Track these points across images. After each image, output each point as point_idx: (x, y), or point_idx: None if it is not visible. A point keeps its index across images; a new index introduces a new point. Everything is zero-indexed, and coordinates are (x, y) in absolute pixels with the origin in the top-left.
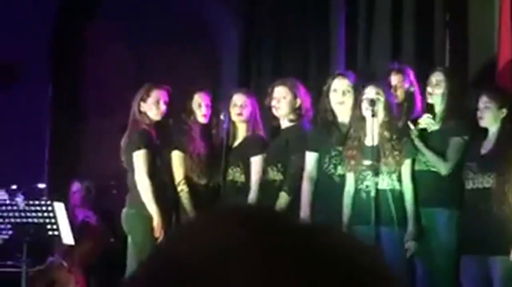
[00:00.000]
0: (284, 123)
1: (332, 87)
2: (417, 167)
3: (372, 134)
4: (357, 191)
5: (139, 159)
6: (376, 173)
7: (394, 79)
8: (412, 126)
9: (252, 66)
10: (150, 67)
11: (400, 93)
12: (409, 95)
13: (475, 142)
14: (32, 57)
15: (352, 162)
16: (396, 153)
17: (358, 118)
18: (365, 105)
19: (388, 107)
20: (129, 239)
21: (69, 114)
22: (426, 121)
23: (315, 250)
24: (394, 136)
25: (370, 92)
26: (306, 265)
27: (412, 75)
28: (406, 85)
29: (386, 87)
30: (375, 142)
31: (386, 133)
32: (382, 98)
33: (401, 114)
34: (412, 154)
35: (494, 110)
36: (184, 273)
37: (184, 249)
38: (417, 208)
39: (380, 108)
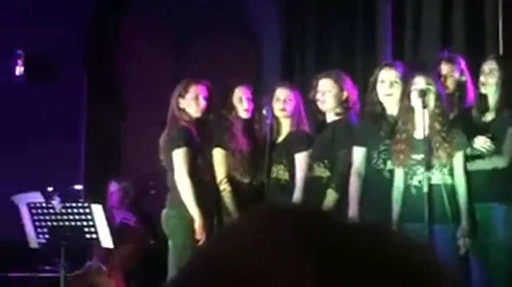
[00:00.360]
0: (330, 117)
1: (380, 79)
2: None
3: (423, 126)
4: (407, 186)
5: (179, 157)
6: (428, 167)
7: (444, 68)
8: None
9: (295, 58)
10: (190, 61)
11: (450, 83)
12: (460, 85)
13: None
14: (67, 52)
15: (401, 156)
16: (446, 145)
17: (406, 110)
18: (414, 96)
19: (439, 98)
20: (170, 241)
21: (106, 111)
22: (482, 144)
23: (363, 250)
24: (445, 128)
25: (420, 82)
26: (355, 266)
27: (463, 64)
28: (457, 74)
29: (436, 77)
30: (426, 135)
31: (437, 125)
32: (432, 89)
33: (452, 105)
34: (463, 146)
35: None
36: (228, 278)
37: (228, 252)
38: (471, 203)
39: (430, 99)
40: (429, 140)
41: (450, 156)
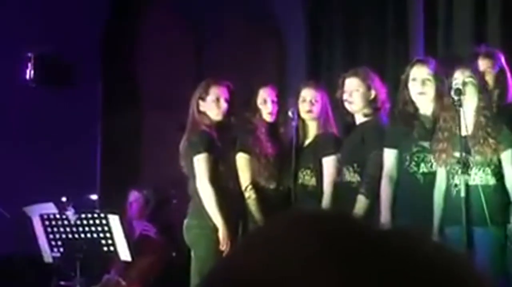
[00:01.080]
0: (359, 119)
1: (411, 76)
2: None
3: (466, 123)
4: (448, 187)
5: (200, 163)
6: (467, 166)
7: (482, 64)
8: None
9: (322, 57)
10: (211, 61)
11: (489, 79)
12: (500, 81)
13: None
14: (81, 54)
15: (443, 155)
16: (491, 141)
17: (447, 107)
18: (453, 95)
19: (482, 90)
20: (192, 253)
21: (123, 116)
22: None
23: (395, 259)
24: (490, 123)
25: (460, 77)
26: (385, 275)
27: (502, 59)
28: (496, 70)
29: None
30: (469, 132)
31: (482, 120)
32: (474, 81)
33: (491, 102)
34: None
35: None
36: None
37: (254, 262)
38: None
39: (472, 92)
40: (473, 137)
41: (495, 152)
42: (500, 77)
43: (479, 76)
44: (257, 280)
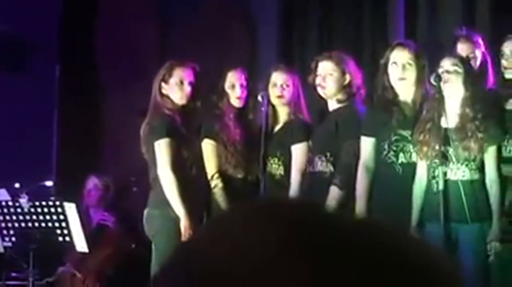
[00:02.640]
0: (332, 105)
1: (391, 60)
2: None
3: (448, 114)
4: (429, 182)
5: (162, 149)
6: (447, 160)
7: (463, 49)
8: None
9: (294, 39)
10: (175, 42)
11: (472, 65)
12: (481, 67)
13: None
14: (37, 36)
15: (425, 148)
16: (480, 135)
17: (431, 96)
18: (432, 81)
19: (469, 80)
20: (153, 244)
21: (80, 100)
22: None
23: (362, 251)
24: (479, 115)
25: (445, 63)
26: (351, 268)
27: (482, 43)
28: (478, 55)
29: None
30: (452, 124)
31: (469, 112)
32: (461, 70)
33: (479, 93)
34: (498, 139)
35: None
36: (217, 282)
37: (215, 254)
38: (503, 203)
39: (457, 81)
40: (456, 130)
41: (481, 149)
42: (481, 62)
43: (465, 64)
44: (220, 273)
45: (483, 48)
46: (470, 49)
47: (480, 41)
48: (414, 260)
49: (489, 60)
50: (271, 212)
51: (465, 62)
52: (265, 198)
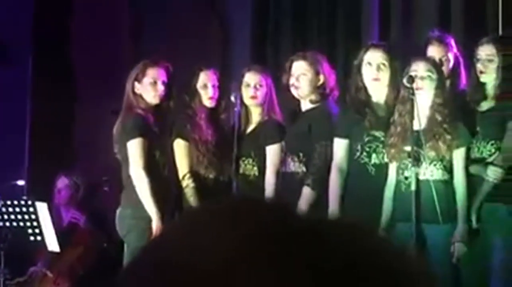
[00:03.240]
0: (305, 105)
1: (366, 61)
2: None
3: (420, 117)
4: (398, 183)
5: (134, 149)
6: (418, 161)
7: (436, 51)
8: None
9: (268, 39)
10: (150, 41)
11: (444, 68)
12: (453, 69)
13: None
14: (9, 32)
15: (393, 150)
16: (448, 137)
17: (403, 98)
18: (405, 83)
19: (441, 85)
20: (125, 244)
21: (54, 98)
22: (493, 173)
23: (326, 251)
24: (448, 119)
25: (419, 68)
26: (315, 266)
27: (455, 45)
28: (451, 58)
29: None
30: (422, 126)
31: (438, 116)
32: (434, 76)
33: (448, 97)
34: (467, 142)
35: None
36: (182, 277)
37: (183, 247)
38: (470, 205)
39: (430, 86)
40: (425, 132)
41: (449, 150)
42: (454, 65)
43: (438, 70)
44: (184, 267)
45: (455, 50)
46: (443, 51)
47: (453, 43)
48: (385, 261)
49: (461, 62)
50: (239, 210)
51: (438, 67)
52: (238, 196)
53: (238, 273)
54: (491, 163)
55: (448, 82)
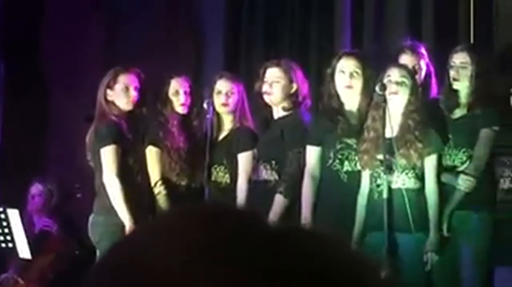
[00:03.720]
0: (278, 113)
1: (339, 69)
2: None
3: (392, 124)
4: (371, 191)
5: (107, 155)
6: (390, 169)
7: (408, 60)
8: None
9: (240, 46)
10: (122, 48)
11: (417, 77)
12: (425, 78)
13: (509, 134)
14: None
15: (366, 157)
16: (419, 145)
17: (376, 105)
18: (377, 90)
19: (414, 92)
20: (97, 251)
21: (25, 104)
22: (464, 182)
23: (286, 261)
24: (419, 127)
25: (394, 74)
26: (276, 276)
27: (426, 54)
28: (423, 66)
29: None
30: (394, 134)
31: (411, 123)
32: (408, 82)
33: (421, 104)
34: (438, 149)
35: None
36: (134, 282)
37: (137, 253)
38: (441, 213)
39: (405, 93)
40: (397, 139)
41: (420, 157)
42: (426, 73)
43: (412, 76)
44: (141, 270)
45: (427, 59)
46: (415, 60)
47: (424, 51)
48: (355, 271)
49: (432, 71)
50: (206, 214)
51: (412, 73)
52: (208, 201)
53: (195, 275)
54: (463, 172)
55: (420, 90)
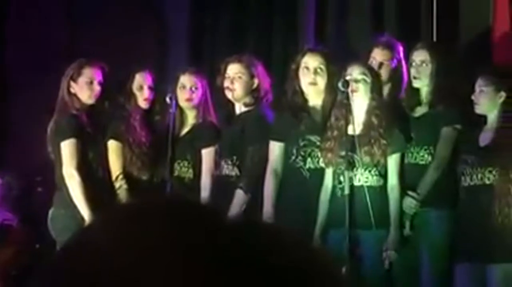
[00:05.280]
0: (239, 108)
1: (303, 65)
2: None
3: (355, 122)
4: (333, 188)
5: (68, 149)
6: (352, 166)
7: (380, 55)
8: None
9: (204, 41)
10: (85, 40)
11: (384, 72)
12: (396, 75)
13: (471, 132)
14: None
15: (329, 155)
16: (383, 142)
17: (340, 103)
18: (340, 87)
19: (376, 89)
20: (58, 245)
21: None
22: (408, 205)
23: (239, 255)
24: (383, 124)
25: (353, 72)
26: (226, 272)
27: (401, 51)
28: (393, 62)
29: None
30: (357, 131)
31: (374, 120)
32: (368, 79)
33: (383, 102)
34: (402, 148)
35: (491, 94)
36: (93, 279)
37: (95, 251)
38: (402, 211)
39: (364, 90)
40: (360, 136)
41: (383, 155)
42: (396, 70)
43: (373, 73)
44: (97, 269)
45: (400, 56)
46: (386, 55)
47: (400, 49)
48: (281, 260)
49: (404, 68)
50: (160, 209)
51: (373, 71)
52: (169, 195)
53: (147, 275)
54: (407, 193)
55: (388, 87)
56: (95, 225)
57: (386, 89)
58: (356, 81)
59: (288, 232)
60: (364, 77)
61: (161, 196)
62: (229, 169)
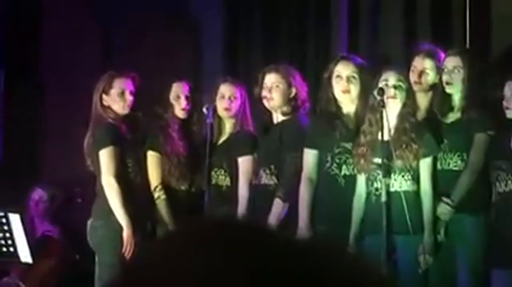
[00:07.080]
0: (277, 117)
1: (335, 73)
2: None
3: (389, 127)
4: (368, 194)
5: (106, 157)
6: (388, 172)
7: (421, 63)
8: None
9: (239, 51)
10: (121, 53)
11: (425, 81)
12: (437, 84)
13: (504, 137)
14: None
15: (362, 161)
16: (415, 146)
17: (373, 108)
18: (375, 95)
19: (411, 96)
20: (96, 256)
21: (25, 107)
22: (443, 211)
23: (307, 278)
24: (415, 129)
25: (390, 78)
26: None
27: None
28: (435, 71)
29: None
30: (390, 137)
31: (407, 125)
32: (404, 86)
33: (416, 107)
34: (434, 152)
35: None
36: None
37: (156, 276)
38: (436, 217)
39: (400, 97)
40: (395, 141)
41: (416, 158)
42: (437, 79)
43: (408, 79)
44: None
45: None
46: (430, 64)
47: (441, 56)
48: (341, 280)
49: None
50: (213, 234)
51: (407, 77)
52: (209, 215)
53: None
54: (442, 200)
55: (429, 95)
56: (149, 260)
57: (427, 98)
58: (394, 87)
59: (343, 249)
60: (401, 83)
61: (207, 220)
62: (267, 178)
